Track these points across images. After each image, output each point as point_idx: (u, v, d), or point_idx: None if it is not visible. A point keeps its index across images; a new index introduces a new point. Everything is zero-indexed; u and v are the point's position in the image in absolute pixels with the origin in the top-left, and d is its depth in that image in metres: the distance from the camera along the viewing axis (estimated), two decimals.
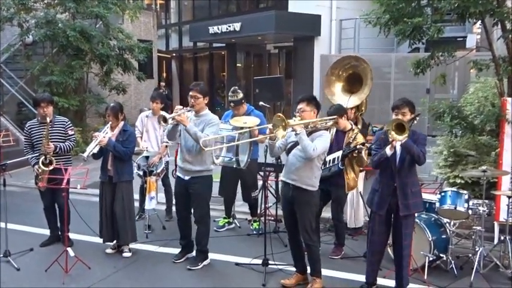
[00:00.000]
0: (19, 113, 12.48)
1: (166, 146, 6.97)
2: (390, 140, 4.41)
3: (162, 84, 16.69)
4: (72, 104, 11.77)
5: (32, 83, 12.12)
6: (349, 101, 6.54)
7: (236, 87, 6.50)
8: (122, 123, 5.75)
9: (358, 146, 5.49)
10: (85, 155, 5.39)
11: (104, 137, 5.47)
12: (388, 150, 4.48)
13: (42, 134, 5.77)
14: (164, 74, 21.65)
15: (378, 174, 4.81)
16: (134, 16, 13.97)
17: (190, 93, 5.25)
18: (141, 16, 15.52)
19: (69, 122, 6.08)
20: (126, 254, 5.80)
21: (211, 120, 5.25)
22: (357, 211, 6.43)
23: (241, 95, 6.34)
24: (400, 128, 4.32)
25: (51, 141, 5.75)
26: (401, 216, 4.58)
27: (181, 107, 5.20)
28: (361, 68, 6.87)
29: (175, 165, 7.17)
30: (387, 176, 4.63)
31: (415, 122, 4.65)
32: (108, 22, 12.48)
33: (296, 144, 4.72)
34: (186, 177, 5.33)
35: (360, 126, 6.30)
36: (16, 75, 12.12)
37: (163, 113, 5.41)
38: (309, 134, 4.67)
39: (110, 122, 5.68)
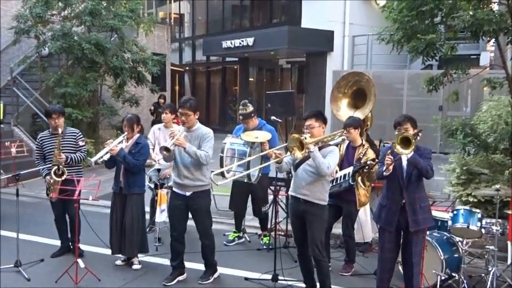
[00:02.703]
0: (33, 124, 12.60)
1: None
2: (386, 163, 4.43)
3: (161, 101, 14.87)
4: (86, 115, 11.88)
5: (46, 95, 12.25)
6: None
7: (246, 100, 6.51)
8: (137, 136, 5.77)
9: (368, 162, 5.48)
10: (92, 160, 5.43)
11: (117, 146, 5.49)
12: (385, 172, 4.50)
13: (53, 145, 5.83)
14: (177, 87, 21.81)
15: (385, 189, 4.80)
16: (148, 30, 14.12)
17: (180, 110, 5.16)
18: (155, 30, 15.68)
19: (80, 133, 6.14)
20: (136, 267, 5.80)
21: (206, 135, 5.18)
22: (364, 226, 6.38)
23: (251, 109, 6.35)
24: (405, 142, 4.33)
25: (63, 152, 5.79)
26: (412, 233, 4.56)
27: (176, 129, 5.14)
28: (365, 83, 6.89)
29: None
30: (394, 192, 4.63)
31: (418, 138, 4.64)
32: (123, 35, 12.62)
33: (304, 159, 4.70)
34: (188, 193, 5.23)
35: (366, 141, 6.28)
36: (31, 87, 12.25)
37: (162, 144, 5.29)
38: (319, 149, 4.66)
39: (126, 133, 5.71)
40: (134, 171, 5.64)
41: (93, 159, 5.44)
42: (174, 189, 5.39)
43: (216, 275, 5.52)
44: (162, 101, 14.68)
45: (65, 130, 6.02)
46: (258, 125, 6.44)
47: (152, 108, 14.78)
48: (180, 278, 5.49)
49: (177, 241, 5.41)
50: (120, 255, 5.90)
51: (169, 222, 5.53)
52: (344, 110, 6.94)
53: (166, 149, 4.94)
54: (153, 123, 12.95)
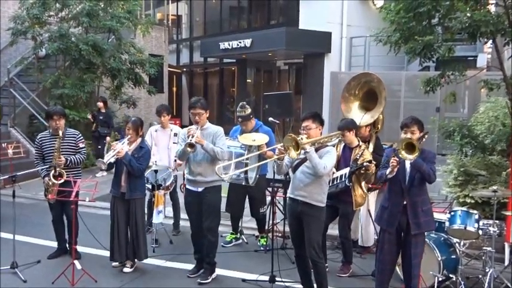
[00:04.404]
0: (30, 125, 12.56)
1: (175, 161, 6.99)
2: (391, 164, 4.43)
3: (101, 105, 11.71)
4: (83, 116, 11.86)
5: (43, 96, 12.23)
6: (362, 119, 6.52)
7: (244, 102, 6.51)
8: (139, 140, 5.75)
9: (365, 164, 5.48)
10: (105, 160, 5.39)
11: (122, 149, 5.46)
12: (389, 175, 4.50)
13: (53, 147, 5.81)
14: (174, 89, 21.79)
15: (387, 191, 4.79)
16: (146, 31, 14.12)
17: (192, 110, 5.29)
18: (152, 31, 15.68)
19: (80, 135, 6.12)
20: (127, 270, 5.74)
21: (218, 132, 5.34)
22: (367, 230, 6.37)
23: (249, 111, 6.35)
24: (410, 147, 4.32)
25: (62, 154, 5.78)
26: (412, 235, 4.55)
27: (195, 126, 5.22)
28: (376, 86, 6.85)
29: (183, 179, 7.18)
30: (396, 194, 4.62)
31: (424, 140, 4.63)
32: (121, 36, 12.62)
33: (303, 161, 4.71)
34: (200, 189, 5.35)
35: (372, 144, 6.26)
36: (28, 88, 12.23)
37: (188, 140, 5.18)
38: (316, 150, 4.67)
39: (129, 136, 5.66)
40: (136, 175, 5.61)
41: (105, 160, 5.39)
42: (186, 185, 5.54)
43: (214, 276, 5.54)
44: (101, 105, 11.71)
45: (65, 131, 5.99)
46: (255, 126, 6.44)
47: (91, 115, 11.84)
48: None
49: (197, 235, 5.53)
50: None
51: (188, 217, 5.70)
52: (355, 112, 6.87)
53: (191, 145, 5.05)
54: (93, 132, 11.68)
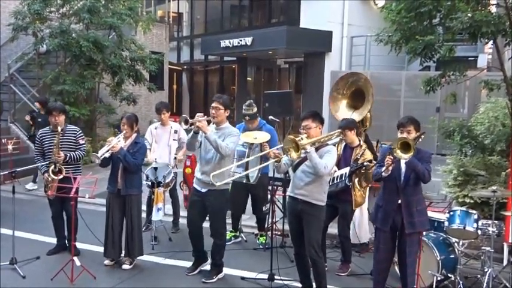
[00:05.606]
0: None
1: (175, 158, 6.99)
2: (386, 163, 4.45)
3: (39, 106, 9.80)
4: (83, 113, 11.84)
5: (44, 92, 12.21)
6: (351, 117, 6.53)
7: (251, 100, 6.50)
8: (134, 135, 5.74)
9: (365, 163, 5.48)
10: (99, 154, 5.37)
11: (117, 144, 5.45)
12: (384, 173, 4.50)
13: (53, 143, 5.81)
14: (175, 86, 21.79)
15: (382, 190, 4.80)
16: (147, 28, 14.10)
17: (213, 104, 5.23)
18: (153, 28, 15.67)
19: (80, 131, 6.12)
20: (126, 266, 5.74)
21: (232, 132, 5.24)
22: (360, 227, 6.38)
23: (256, 109, 6.35)
24: (405, 146, 4.34)
25: (62, 150, 5.78)
26: (407, 234, 4.57)
27: (202, 114, 5.12)
28: (363, 84, 6.87)
29: (183, 178, 7.20)
30: (391, 193, 4.64)
31: (420, 140, 4.64)
32: (121, 33, 12.59)
33: (303, 160, 4.71)
34: (204, 190, 5.28)
35: (363, 142, 6.27)
36: (29, 84, 12.23)
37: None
38: (316, 149, 4.67)
39: (124, 132, 5.66)
40: (132, 171, 5.60)
41: (99, 154, 5.37)
42: (194, 184, 5.47)
43: (220, 276, 5.52)
44: (39, 106, 9.76)
45: (65, 128, 5.99)
46: (259, 124, 6.43)
47: (29, 117, 10.38)
48: (202, 267, 5.60)
49: (194, 235, 5.49)
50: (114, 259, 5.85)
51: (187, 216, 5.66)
52: (343, 111, 6.92)
53: (186, 120, 4.96)
54: (31, 137, 10.35)
